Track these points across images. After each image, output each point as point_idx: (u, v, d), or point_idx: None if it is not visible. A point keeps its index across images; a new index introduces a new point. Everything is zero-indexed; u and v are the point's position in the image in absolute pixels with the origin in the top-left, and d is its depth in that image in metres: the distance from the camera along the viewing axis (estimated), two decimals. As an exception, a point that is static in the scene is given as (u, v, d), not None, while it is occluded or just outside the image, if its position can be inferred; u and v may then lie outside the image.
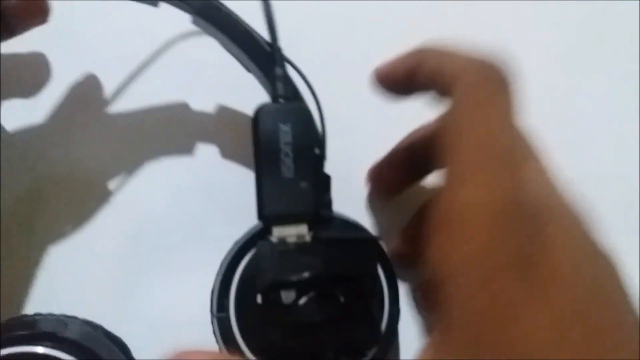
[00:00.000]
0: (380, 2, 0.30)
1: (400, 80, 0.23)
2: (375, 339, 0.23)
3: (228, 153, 0.28)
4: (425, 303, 0.26)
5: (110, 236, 0.27)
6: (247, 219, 0.24)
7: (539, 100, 0.29)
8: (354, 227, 0.24)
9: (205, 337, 0.23)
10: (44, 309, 0.24)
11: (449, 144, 0.19)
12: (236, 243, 0.24)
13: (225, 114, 0.29)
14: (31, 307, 0.26)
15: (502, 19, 0.30)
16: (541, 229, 0.17)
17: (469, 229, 0.17)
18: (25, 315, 0.23)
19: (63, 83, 0.28)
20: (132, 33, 0.29)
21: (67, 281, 0.26)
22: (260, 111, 0.23)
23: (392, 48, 0.23)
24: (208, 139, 0.28)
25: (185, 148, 0.28)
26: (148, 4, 0.25)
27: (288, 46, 0.25)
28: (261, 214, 0.23)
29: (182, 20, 0.25)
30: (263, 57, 0.25)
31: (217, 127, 0.29)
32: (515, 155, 0.19)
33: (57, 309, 0.24)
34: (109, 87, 0.29)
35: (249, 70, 0.26)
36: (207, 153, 0.28)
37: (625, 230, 0.28)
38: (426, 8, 0.30)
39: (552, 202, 0.18)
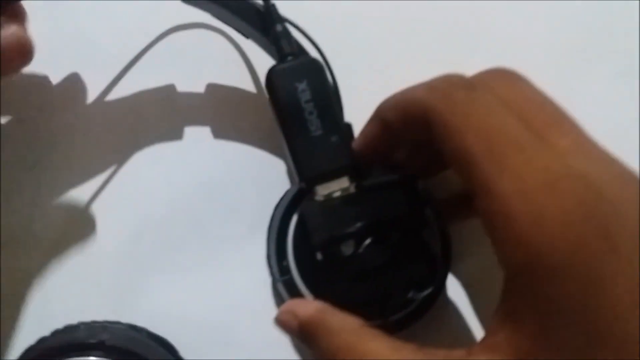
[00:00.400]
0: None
1: (379, 139, 0.23)
2: (434, 270, 0.24)
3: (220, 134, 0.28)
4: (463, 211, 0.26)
5: (111, 233, 0.27)
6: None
7: None
8: (389, 168, 0.24)
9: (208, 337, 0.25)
10: (45, 310, 0.25)
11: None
12: (278, 208, 0.25)
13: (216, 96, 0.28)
14: (32, 308, 0.26)
15: (502, 19, 0.29)
16: (619, 201, 0.17)
17: (558, 200, 0.17)
18: (70, 326, 0.24)
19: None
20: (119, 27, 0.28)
21: (67, 281, 0.26)
22: (272, 74, 0.23)
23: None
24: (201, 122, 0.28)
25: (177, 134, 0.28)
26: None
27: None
28: (302, 176, 0.23)
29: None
30: (260, 18, 0.24)
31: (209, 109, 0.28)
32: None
33: (59, 310, 0.25)
34: (99, 82, 0.28)
35: (247, 36, 0.25)
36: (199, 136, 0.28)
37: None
38: (426, 8, 0.29)
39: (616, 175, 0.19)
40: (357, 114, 0.24)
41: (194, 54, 0.28)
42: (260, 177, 0.27)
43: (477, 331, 0.26)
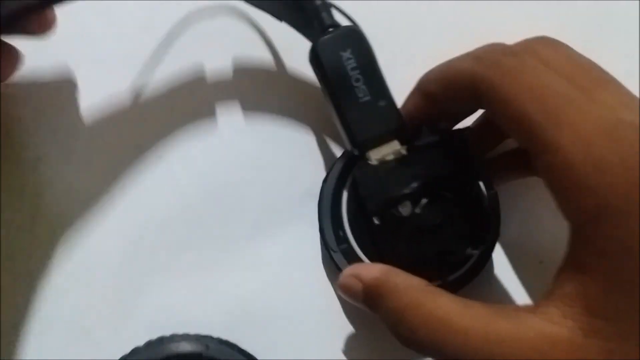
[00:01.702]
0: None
1: (423, 112, 0.24)
2: (487, 226, 0.24)
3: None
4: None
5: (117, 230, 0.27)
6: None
7: None
8: (437, 128, 0.24)
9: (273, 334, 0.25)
10: (48, 312, 0.25)
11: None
12: (329, 180, 0.25)
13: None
14: (34, 310, 0.26)
15: (502, 19, 0.30)
16: None
17: (615, 146, 0.18)
18: (164, 337, 0.24)
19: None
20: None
21: (69, 283, 0.26)
22: (317, 47, 0.24)
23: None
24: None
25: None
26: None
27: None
28: (355, 142, 0.23)
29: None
30: None
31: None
32: None
33: (60, 312, 0.25)
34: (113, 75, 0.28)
35: (280, 19, 0.25)
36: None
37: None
38: (426, 8, 0.29)
39: None
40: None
41: (216, 36, 0.28)
42: (298, 153, 0.27)
43: (527, 290, 0.27)
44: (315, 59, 0.24)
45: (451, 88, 0.22)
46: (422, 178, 0.23)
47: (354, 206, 0.24)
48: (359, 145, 0.23)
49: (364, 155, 0.23)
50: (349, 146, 0.24)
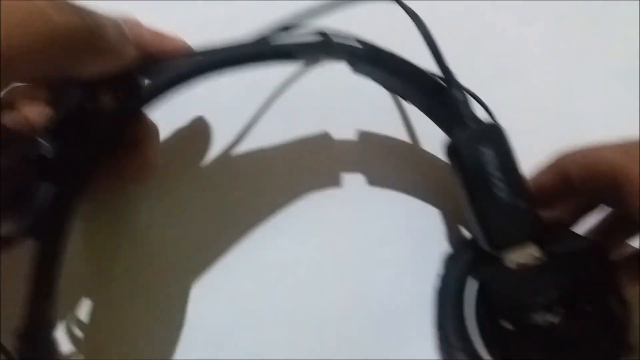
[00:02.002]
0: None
1: (553, 190, 0.24)
2: (626, 340, 0.23)
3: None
4: None
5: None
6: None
7: (540, 100, 0.29)
8: (574, 235, 0.24)
9: None
10: None
11: None
12: (452, 271, 0.24)
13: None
14: None
15: (502, 20, 0.30)
16: None
17: None
18: None
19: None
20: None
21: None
22: (457, 141, 0.23)
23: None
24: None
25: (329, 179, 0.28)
26: (309, 62, 0.25)
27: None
28: (492, 243, 0.23)
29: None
30: (433, 85, 0.24)
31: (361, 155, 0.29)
32: None
33: None
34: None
35: (418, 106, 0.26)
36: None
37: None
38: (426, 8, 0.29)
39: None
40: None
41: (345, 104, 0.29)
42: (420, 230, 0.27)
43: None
44: (454, 154, 0.24)
45: (591, 174, 0.22)
46: (562, 287, 0.22)
47: (481, 305, 0.24)
48: (495, 247, 0.23)
49: (499, 257, 0.23)
50: (484, 246, 0.23)
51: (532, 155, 0.24)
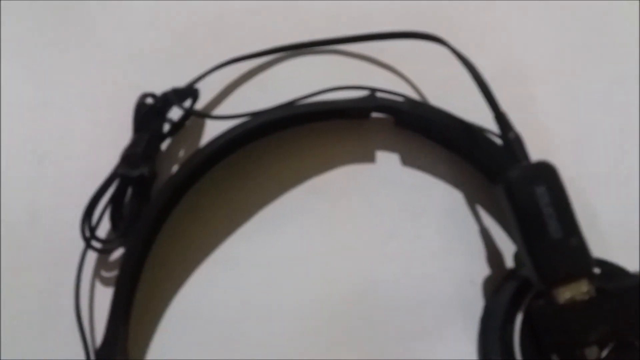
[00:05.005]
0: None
1: None
2: None
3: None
4: None
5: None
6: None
7: (540, 100, 0.29)
8: (622, 271, 0.24)
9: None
10: None
11: None
12: (498, 304, 0.25)
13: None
14: None
15: (502, 20, 0.30)
16: None
17: None
18: None
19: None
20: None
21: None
22: (510, 179, 0.24)
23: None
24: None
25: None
26: (359, 118, 0.28)
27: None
28: (543, 279, 0.23)
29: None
30: (475, 135, 0.27)
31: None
32: None
33: None
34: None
35: (460, 154, 0.28)
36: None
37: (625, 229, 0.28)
38: (427, 8, 0.30)
39: None
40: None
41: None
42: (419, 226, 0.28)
43: None
44: (505, 190, 0.25)
45: None
46: (610, 323, 0.23)
47: (529, 338, 0.24)
48: (545, 282, 0.23)
49: (550, 292, 0.24)
50: (535, 281, 0.24)
51: (532, 156, 0.25)
